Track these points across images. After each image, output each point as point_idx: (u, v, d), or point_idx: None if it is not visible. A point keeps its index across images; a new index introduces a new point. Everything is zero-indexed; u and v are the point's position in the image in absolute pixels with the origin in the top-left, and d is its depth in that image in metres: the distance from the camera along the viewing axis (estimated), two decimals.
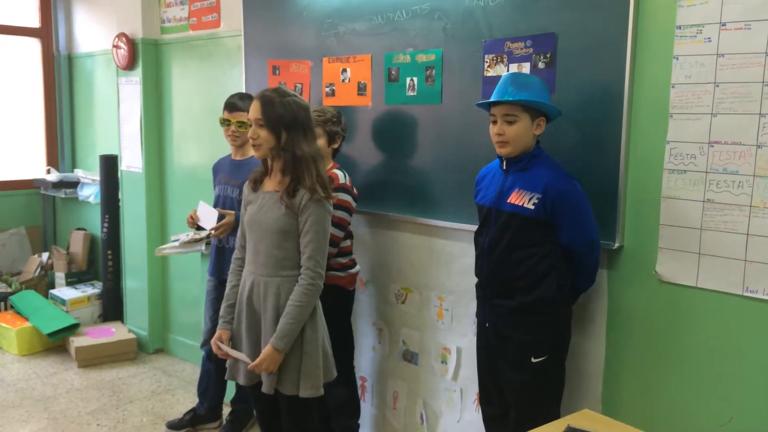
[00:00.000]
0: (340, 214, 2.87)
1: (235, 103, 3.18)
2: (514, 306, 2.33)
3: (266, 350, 2.37)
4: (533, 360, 2.32)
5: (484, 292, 2.45)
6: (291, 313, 2.35)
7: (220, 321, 2.57)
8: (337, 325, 2.93)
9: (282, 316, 2.37)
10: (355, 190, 2.97)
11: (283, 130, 2.35)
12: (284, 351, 2.36)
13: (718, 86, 2.14)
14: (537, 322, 2.32)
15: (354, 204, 2.95)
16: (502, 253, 2.34)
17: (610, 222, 2.38)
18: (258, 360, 2.37)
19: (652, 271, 2.33)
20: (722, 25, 2.12)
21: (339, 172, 2.93)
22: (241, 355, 2.46)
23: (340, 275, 2.94)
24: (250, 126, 2.41)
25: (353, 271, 3.02)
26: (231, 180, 3.22)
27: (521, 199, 2.28)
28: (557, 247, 2.30)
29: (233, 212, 3.08)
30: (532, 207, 2.26)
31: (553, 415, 2.37)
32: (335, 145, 2.97)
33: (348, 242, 3.00)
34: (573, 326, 2.46)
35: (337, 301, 2.95)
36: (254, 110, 2.39)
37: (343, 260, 2.96)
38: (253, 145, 2.42)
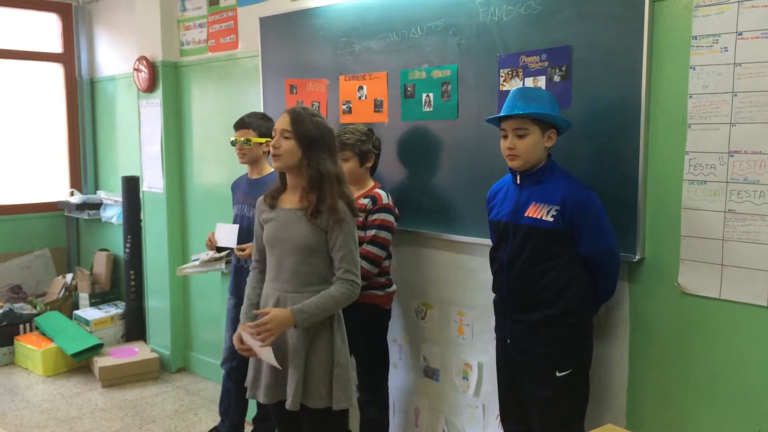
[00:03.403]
0: (383, 234, 2.86)
1: (241, 120, 3.22)
2: (537, 319, 2.32)
3: (282, 311, 2.32)
4: (558, 374, 2.30)
5: (504, 307, 2.44)
6: (325, 298, 2.34)
7: (242, 317, 2.53)
8: (373, 345, 2.92)
9: (316, 296, 2.35)
10: (396, 211, 2.95)
11: (311, 145, 2.37)
12: (298, 325, 2.31)
13: (736, 95, 2.12)
14: (560, 335, 2.31)
15: (396, 224, 2.94)
16: (522, 268, 2.33)
17: (630, 234, 2.36)
18: (268, 317, 2.30)
19: (675, 283, 2.31)
20: (739, 34, 2.11)
21: (382, 192, 2.92)
22: (268, 356, 2.37)
23: (378, 294, 2.92)
24: (275, 139, 2.40)
25: (390, 290, 2.99)
26: (248, 199, 3.24)
27: (539, 212, 2.28)
28: (577, 258, 2.29)
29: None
30: (551, 219, 2.25)
31: (577, 429, 2.35)
32: (368, 164, 2.96)
33: (387, 262, 2.97)
34: (595, 340, 2.43)
35: (374, 320, 2.94)
36: (283, 122, 2.40)
37: (382, 279, 2.94)
38: (274, 155, 2.41)
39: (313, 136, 2.37)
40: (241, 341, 2.44)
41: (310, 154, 2.37)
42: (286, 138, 2.38)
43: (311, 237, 2.37)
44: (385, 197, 2.91)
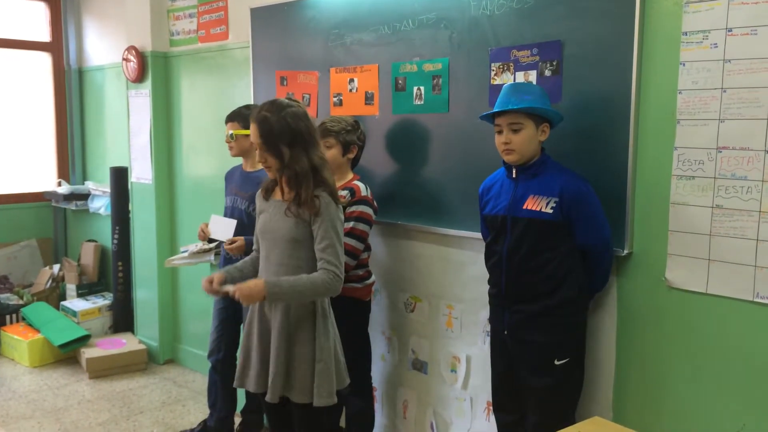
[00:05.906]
0: (361, 227, 2.86)
1: (229, 113, 3.22)
2: (537, 310, 2.35)
3: (255, 281, 2.34)
4: (557, 362, 2.33)
5: (503, 299, 2.45)
6: (301, 278, 2.33)
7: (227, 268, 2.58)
8: (354, 336, 2.92)
9: (292, 276, 2.34)
10: (375, 203, 2.95)
11: (284, 148, 2.35)
12: (269, 297, 2.31)
13: (725, 92, 2.14)
14: (560, 325, 2.34)
15: (374, 216, 2.94)
16: (522, 260, 2.35)
17: (618, 229, 2.37)
18: (242, 285, 2.33)
19: (662, 278, 2.32)
20: (728, 31, 2.12)
21: (361, 185, 2.92)
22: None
23: (357, 287, 2.93)
24: (258, 153, 2.43)
25: (369, 282, 3.00)
26: (240, 192, 3.23)
27: (538, 205, 2.30)
28: (575, 249, 2.32)
29: (243, 237, 3.05)
30: (551, 211, 2.28)
31: (570, 419, 2.37)
32: (351, 155, 2.95)
33: (365, 254, 2.98)
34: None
35: (354, 313, 2.94)
36: (253, 134, 2.39)
37: (360, 272, 2.95)
38: (265, 168, 2.44)
39: (285, 139, 2.34)
40: (211, 282, 2.47)
41: (285, 157, 2.35)
42: (264, 151, 2.38)
43: (295, 229, 2.37)
44: (363, 189, 2.91)
